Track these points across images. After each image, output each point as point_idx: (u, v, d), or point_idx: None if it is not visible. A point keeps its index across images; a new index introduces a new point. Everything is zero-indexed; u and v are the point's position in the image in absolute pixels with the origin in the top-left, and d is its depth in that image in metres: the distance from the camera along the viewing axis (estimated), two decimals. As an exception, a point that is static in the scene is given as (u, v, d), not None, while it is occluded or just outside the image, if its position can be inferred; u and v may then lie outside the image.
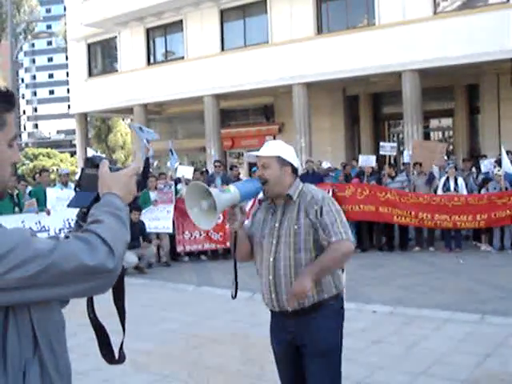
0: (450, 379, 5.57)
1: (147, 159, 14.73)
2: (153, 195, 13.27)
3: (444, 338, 6.89)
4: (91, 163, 1.95)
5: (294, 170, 3.58)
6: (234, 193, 3.36)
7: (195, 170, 15.34)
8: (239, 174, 16.90)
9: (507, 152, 14.79)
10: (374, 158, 15.56)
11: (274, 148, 3.56)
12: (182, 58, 25.84)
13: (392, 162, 17.06)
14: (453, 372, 5.73)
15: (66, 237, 1.72)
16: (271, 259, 3.50)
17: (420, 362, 6.06)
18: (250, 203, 13.59)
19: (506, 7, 18.50)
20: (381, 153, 15.66)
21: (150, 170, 16.10)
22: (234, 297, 3.61)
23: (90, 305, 1.98)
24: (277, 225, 3.54)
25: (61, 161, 54.74)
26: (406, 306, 8.40)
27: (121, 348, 2.02)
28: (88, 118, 33.29)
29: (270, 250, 3.51)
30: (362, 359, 6.19)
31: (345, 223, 3.48)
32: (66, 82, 40.49)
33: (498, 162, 13.83)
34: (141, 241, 12.52)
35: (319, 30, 22.24)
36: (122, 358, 2.02)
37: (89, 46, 29.52)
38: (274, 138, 26.86)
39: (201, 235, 13.57)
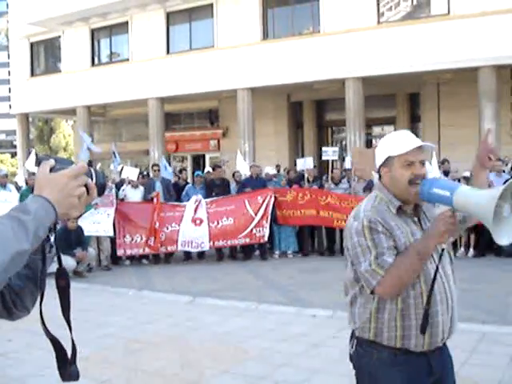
0: (386, 382, 5.67)
1: (90, 162, 14.56)
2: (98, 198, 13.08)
3: (381, 342, 7.00)
4: (38, 163, 1.83)
5: None
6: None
7: (143, 175, 15.24)
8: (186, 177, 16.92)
9: (444, 160, 15.21)
10: (311, 159, 15.70)
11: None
12: (127, 59, 25.62)
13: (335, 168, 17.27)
14: (388, 375, 5.83)
15: None
16: (446, 283, 2.79)
17: (357, 365, 6.14)
18: (193, 206, 13.57)
19: (446, 19, 18.99)
20: (323, 158, 15.79)
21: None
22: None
23: (40, 316, 1.77)
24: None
25: (1, 161, 53.58)
26: (344, 311, 8.45)
27: (72, 363, 1.82)
28: (30, 119, 32.66)
29: (439, 270, 2.72)
30: (301, 363, 6.25)
31: None
32: (8, 81, 39.59)
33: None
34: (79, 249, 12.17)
35: (265, 36, 22.37)
36: (74, 375, 1.83)
37: (32, 44, 28.99)
38: (218, 143, 26.96)
39: (142, 239, 13.47)
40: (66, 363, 1.78)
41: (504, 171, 14.27)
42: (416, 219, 2.82)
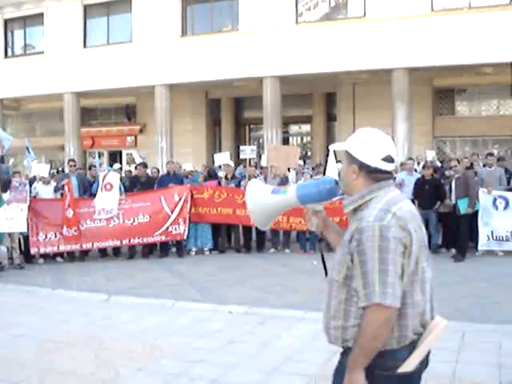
0: (301, 375, 5.78)
1: (2, 157, 14.12)
2: (6, 194, 12.70)
3: (296, 337, 7.13)
4: None
5: (368, 170, 2.66)
6: (288, 195, 2.91)
7: (57, 171, 14.89)
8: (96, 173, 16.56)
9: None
10: (227, 154, 15.80)
11: (349, 140, 2.74)
12: (42, 52, 25.00)
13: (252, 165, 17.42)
14: (303, 368, 5.95)
15: None
16: None
17: (272, 359, 6.24)
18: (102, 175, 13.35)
19: (362, 21, 19.47)
20: (241, 156, 15.92)
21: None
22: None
23: None
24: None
25: None
26: (260, 307, 8.59)
27: None
28: None
29: None
30: (217, 359, 6.29)
31: (385, 272, 2.46)
32: None
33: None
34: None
35: (184, 32, 22.31)
36: None
37: None
38: (136, 139, 26.69)
39: (56, 236, 13.18)
40: None
41: (416, 170, 14.75)
42: None
